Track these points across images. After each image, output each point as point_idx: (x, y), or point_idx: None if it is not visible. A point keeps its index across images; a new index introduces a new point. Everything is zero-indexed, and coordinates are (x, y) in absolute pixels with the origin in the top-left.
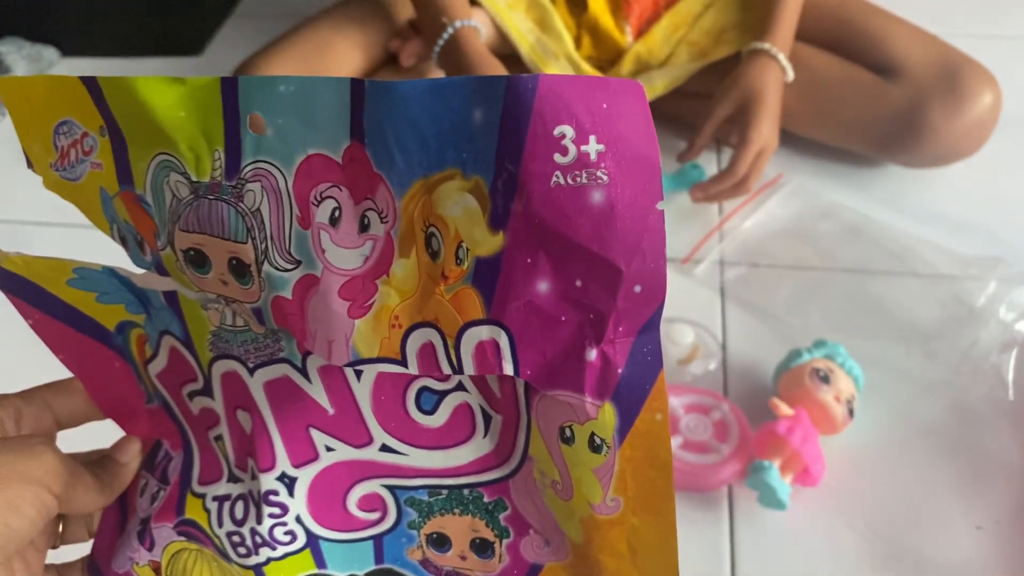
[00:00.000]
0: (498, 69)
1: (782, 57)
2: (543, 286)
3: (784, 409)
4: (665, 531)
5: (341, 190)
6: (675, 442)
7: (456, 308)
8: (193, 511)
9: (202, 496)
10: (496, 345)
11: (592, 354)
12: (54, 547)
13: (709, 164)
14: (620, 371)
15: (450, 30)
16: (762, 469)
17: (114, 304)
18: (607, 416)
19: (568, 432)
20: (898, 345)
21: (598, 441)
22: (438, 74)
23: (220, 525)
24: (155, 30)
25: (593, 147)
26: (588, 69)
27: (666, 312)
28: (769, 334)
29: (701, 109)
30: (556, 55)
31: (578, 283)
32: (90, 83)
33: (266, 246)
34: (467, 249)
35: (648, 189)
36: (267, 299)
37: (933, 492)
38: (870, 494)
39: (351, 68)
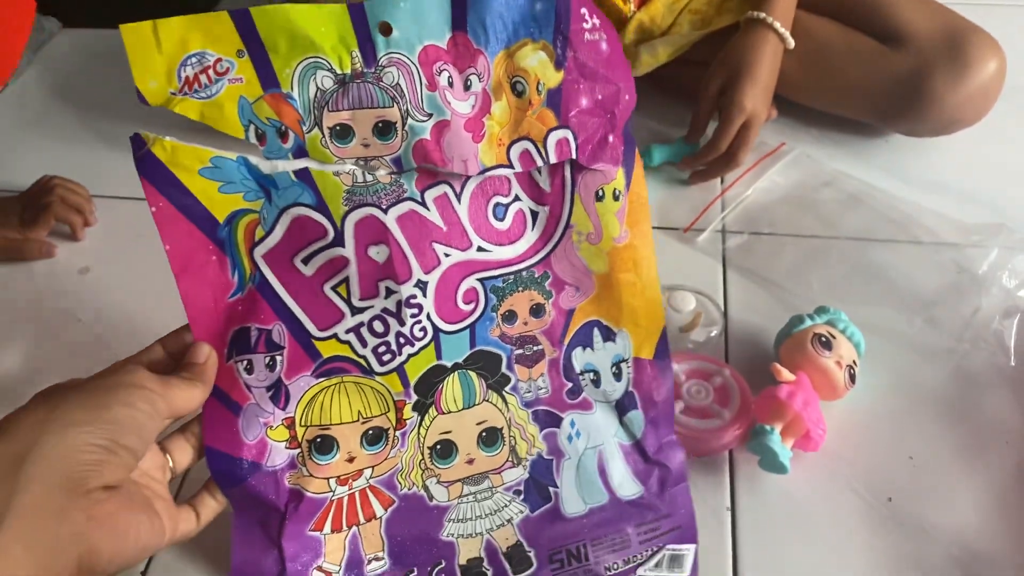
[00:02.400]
0: None
1: (778, 25)
2: (584, 101)
3: (785, 374)
4: (648, 242)
5: (450, 65)
6: (677, 407)
7: (541, 123)
8: (331, 350)
9: (332, 336)
10: (567, 140)
11: (611, 138)
12: (172, 477)
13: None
14: (622, 148)
15: None
16: (763, 433)
17: (234, 194)
18: (620, 176)
19: (600, 192)
20: (900, 312)
21: (617, 193)
22: None
23: (364, 346)
24: (156, 2)
25: (596, 20)
26: None
27: (668, 280)
28: (771, 301)
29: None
30: None
31: (599, 96)
32: (240, 15)
33: (407, 108)
34: (543, 84)
35: (617, 42)
36: (409, 144)
37: (934, 457)
38: (871, 459)
39: None
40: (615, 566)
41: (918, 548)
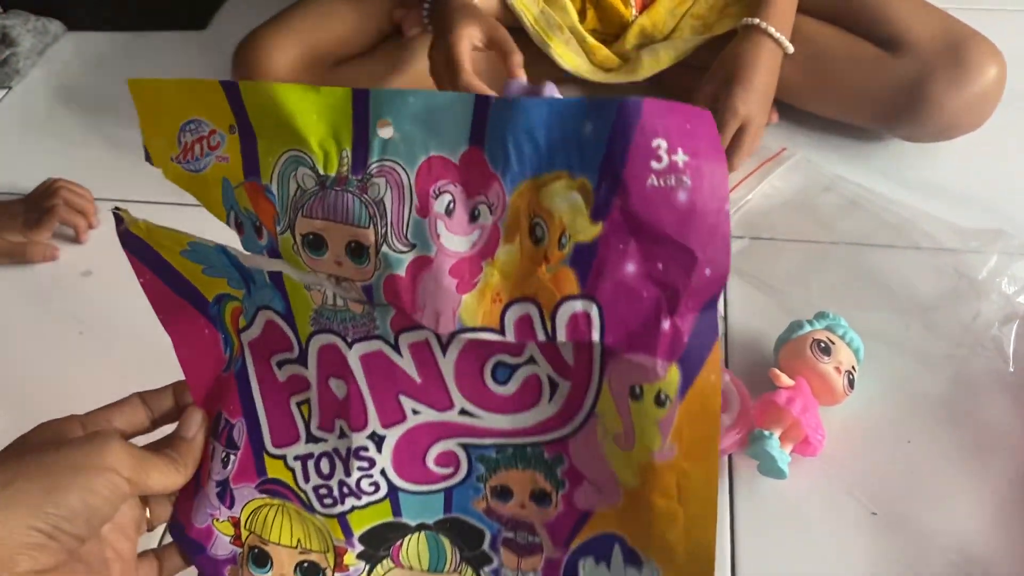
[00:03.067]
0: (480, 17)
1: (773, 30)
2: (631, 267)
3: (784, 379)
4: (710, 474)
5: (456, 187)
6: None
7: (554, 285)
8: (276, 471)
9: (281, 457)
10: (588, 316)
11: (666, 324)
12: (149, 530)
13: None
14: (686, 339)
15: None
16: (762, 438)
17: (218, 278)
18: (673, 376)
19: (638, 390)
20: (899, 317)
21: (663, 397)
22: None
23: (307, 480)
24: (159, 5)
25: (680, 156)
26: (592, 42)
27: None
28: (770, 306)
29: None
30: (560, 27)
31: (660, 266)
32: (230, 87)
33: (386, 231)
34: (569, 236)
35: (719, 191)
36: (381, 277)
37: (932, 463)
38: (870, 464)
39: (354, 39)
40: None
41: (916, 554)
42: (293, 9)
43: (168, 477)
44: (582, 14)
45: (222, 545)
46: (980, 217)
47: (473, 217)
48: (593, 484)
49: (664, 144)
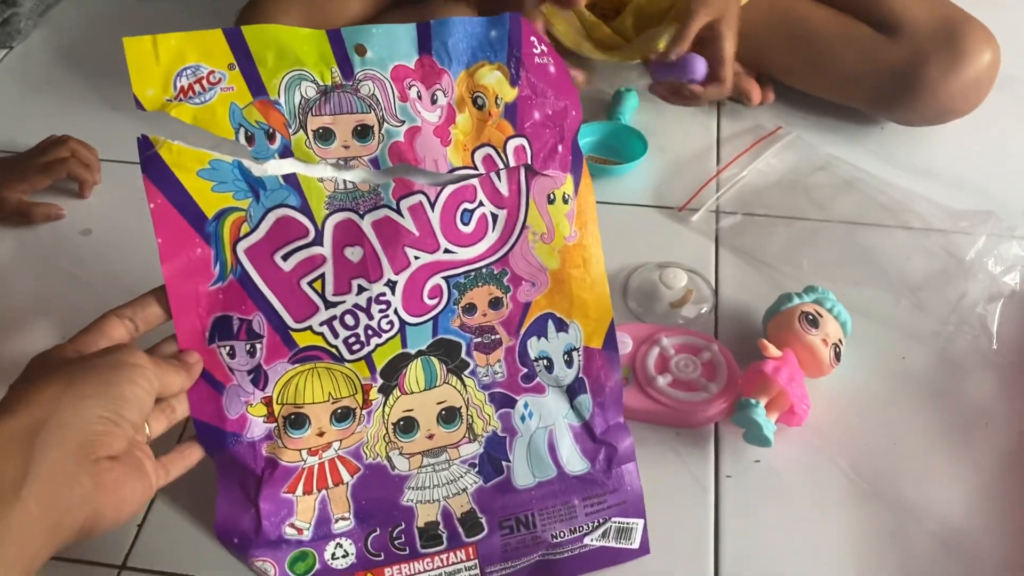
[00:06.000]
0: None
1: None
2: (537, 114)
3: (772, 350)
4: (597, 244)
5: (418, 82)
6: (664, 380)
7: (500, 131)
8: (305, 340)
9: (306, 328)
10: (524, 147)
11: (561, 148)
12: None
13: (709, 117)
14: (571, 156)
15: None
16: (749, 406)
17: (224, 193)
18: (569, 181)
19: (552, 196)
20: (888, 295)
21: (567, 197)
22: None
23: (336, 337)
24: None
25: (543, 46)
26: (591, 18)
27: (661, 256)
28: (761, 281)
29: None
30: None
31: (549, 111)
32: (232, 33)
33: (382, 115)
34: (501, 99)
35: (564, 68)
36: (386, 146)
37: (916, 436)
38: (854, 436)
39: (355, 10)
40: (561, 534)
41: (897, 523)
42: None
43: (177, 379)
44: None
45: (257, 426)
46: (971, 199)
47: (433, 101)
48: (529, 281)
49: (535, 39)
